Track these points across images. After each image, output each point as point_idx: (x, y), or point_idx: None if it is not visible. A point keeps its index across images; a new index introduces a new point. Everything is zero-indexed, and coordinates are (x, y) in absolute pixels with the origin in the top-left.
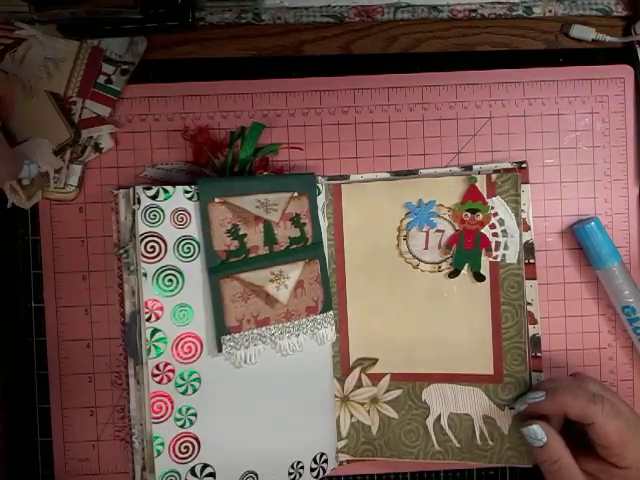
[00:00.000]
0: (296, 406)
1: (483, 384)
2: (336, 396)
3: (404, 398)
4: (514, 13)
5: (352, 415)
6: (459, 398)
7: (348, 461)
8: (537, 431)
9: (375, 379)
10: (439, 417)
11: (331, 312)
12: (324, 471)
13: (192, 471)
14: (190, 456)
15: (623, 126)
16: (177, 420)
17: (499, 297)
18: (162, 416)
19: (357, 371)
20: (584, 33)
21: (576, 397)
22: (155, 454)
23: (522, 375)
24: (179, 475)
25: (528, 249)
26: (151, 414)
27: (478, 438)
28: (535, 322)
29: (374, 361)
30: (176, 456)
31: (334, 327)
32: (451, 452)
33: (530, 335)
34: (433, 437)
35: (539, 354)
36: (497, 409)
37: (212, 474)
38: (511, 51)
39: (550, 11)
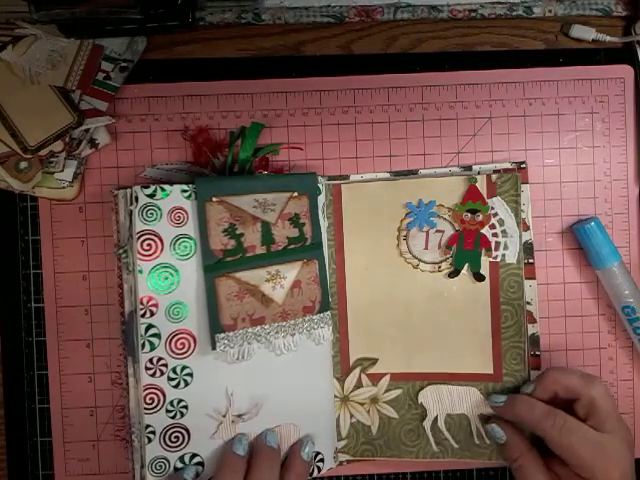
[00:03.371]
0: (295, 406)
1: (482, 383)
2: (336, 396)
3: (404, 398)
4: (514, 13)
5: (352, 415)
6: (455, 399)
7: (348, 461)
8: (495, 429)
9: (375, 379)
10: (436, 419)
11: (328, 312)
12: (319, 470)
13: (181, 459)
14: (180, 445)
15: (623, 126)
16: (168, 412)
17: (499, 297)
18: (154, 407)
19: (357, 371)
20: (584, 33)
21: (531, 411)
22: (146, 441)
23: (521, 374)
24: (168, 462)
25: (527, 249)
26: (143, 405)
27: (475, 437)
28: (534, 321)
29: (374, 361)
30: (166, 444)
31: (331, 327)
32: (450, 450)
33: (529, 334)
34: (431, 439)
35: (538, 353)
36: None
37: (201, 463)
38: (511, 51)
39: (550, 11)
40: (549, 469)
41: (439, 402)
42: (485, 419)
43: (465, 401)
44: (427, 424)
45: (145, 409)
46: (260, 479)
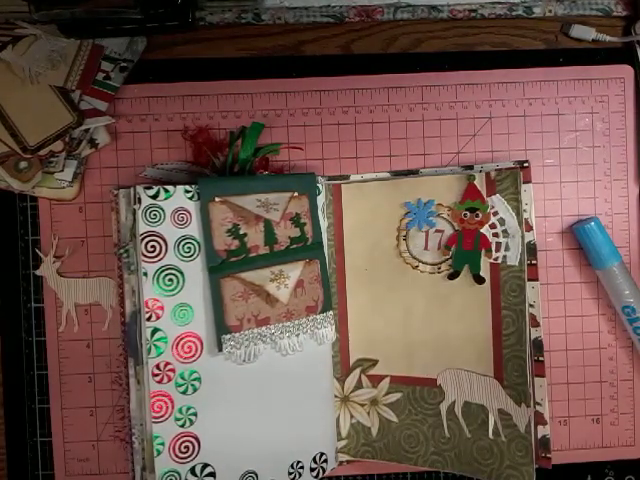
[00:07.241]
0: (296, 406)
1: None
2: (336, 396)
3: (404, 402)
4: (514, 13)
5: (352, 416)
6: (474, 386)
7: (348, 461)
8: None
9: (375, 380)
10: (453, 403)
11: (331, 312)
12: (324, 471)
13: (192, 471)
14: (190, 456)
15: (623, 126)
16: (177, 420)
17: (500, 301)
18: (162, 416)
19: (357, 372)
20: (584, 33)
21: None
22: (155, 454)
23: (523, 388)
24: (179, 475)
25: (530, 250)
26: (151, 414)
27: (490, 432)
28: (537, 325)
29: (374, 362)
30: (176, 456)
31: (334, 327)
32: (450, 462)
33: (532, 338)
34: (444, 423)
35: (541, 358)
36: (514, 404)
37: (212, 474)
38: (511, 51)
39: (550, 11)
40: None
41: (458, 386)
42: (504, 414)
43: (485, 391)
44: (443, 407)
45: (153, 418)
46: None
